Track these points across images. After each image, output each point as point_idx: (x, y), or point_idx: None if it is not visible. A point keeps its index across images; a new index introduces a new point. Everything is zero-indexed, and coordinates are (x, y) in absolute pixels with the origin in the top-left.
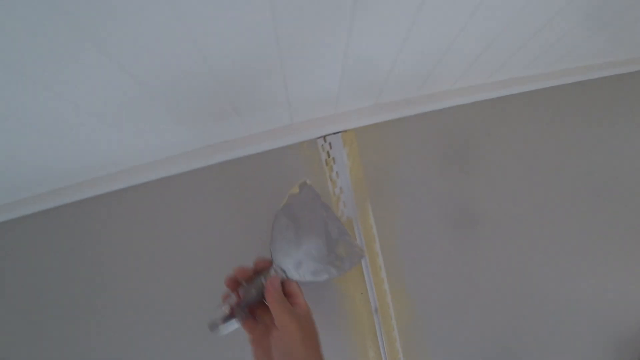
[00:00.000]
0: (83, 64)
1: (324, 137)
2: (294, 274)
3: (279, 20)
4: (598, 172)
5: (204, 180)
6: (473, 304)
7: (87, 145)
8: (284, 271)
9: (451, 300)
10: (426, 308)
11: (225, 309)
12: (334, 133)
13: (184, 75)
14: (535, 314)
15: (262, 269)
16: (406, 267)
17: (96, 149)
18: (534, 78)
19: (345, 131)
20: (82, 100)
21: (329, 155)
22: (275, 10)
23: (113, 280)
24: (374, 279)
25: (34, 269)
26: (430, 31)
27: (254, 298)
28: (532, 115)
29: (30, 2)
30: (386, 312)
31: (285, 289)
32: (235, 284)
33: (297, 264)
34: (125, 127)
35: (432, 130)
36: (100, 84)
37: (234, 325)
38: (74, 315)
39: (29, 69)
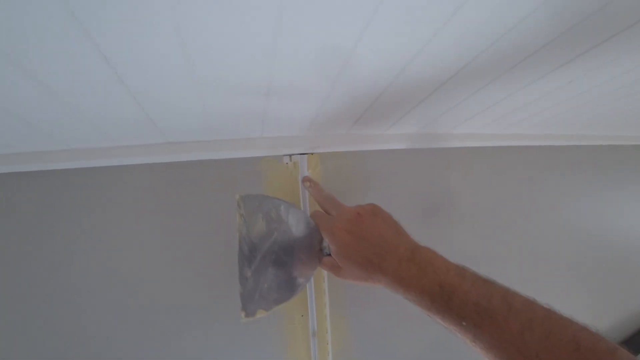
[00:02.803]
0: None
1: (290, 155)
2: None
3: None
4: (553, 229)
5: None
6: (407, 336)
7: None
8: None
9: (387, 330)
10: (363, 336)
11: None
12: (301, 154)
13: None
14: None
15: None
16: (348, 293)
17: None
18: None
19: (311, 154)
20: None
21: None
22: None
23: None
24: (316, 302)
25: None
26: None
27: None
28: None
29: None
30: (323, 336)
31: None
32: None
33: None
34: None
35: (399, 169)
36: None
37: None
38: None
39: None
